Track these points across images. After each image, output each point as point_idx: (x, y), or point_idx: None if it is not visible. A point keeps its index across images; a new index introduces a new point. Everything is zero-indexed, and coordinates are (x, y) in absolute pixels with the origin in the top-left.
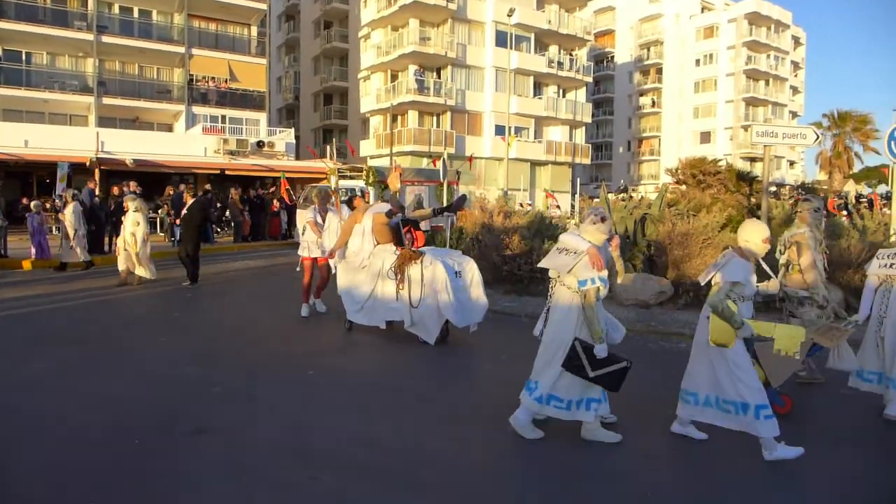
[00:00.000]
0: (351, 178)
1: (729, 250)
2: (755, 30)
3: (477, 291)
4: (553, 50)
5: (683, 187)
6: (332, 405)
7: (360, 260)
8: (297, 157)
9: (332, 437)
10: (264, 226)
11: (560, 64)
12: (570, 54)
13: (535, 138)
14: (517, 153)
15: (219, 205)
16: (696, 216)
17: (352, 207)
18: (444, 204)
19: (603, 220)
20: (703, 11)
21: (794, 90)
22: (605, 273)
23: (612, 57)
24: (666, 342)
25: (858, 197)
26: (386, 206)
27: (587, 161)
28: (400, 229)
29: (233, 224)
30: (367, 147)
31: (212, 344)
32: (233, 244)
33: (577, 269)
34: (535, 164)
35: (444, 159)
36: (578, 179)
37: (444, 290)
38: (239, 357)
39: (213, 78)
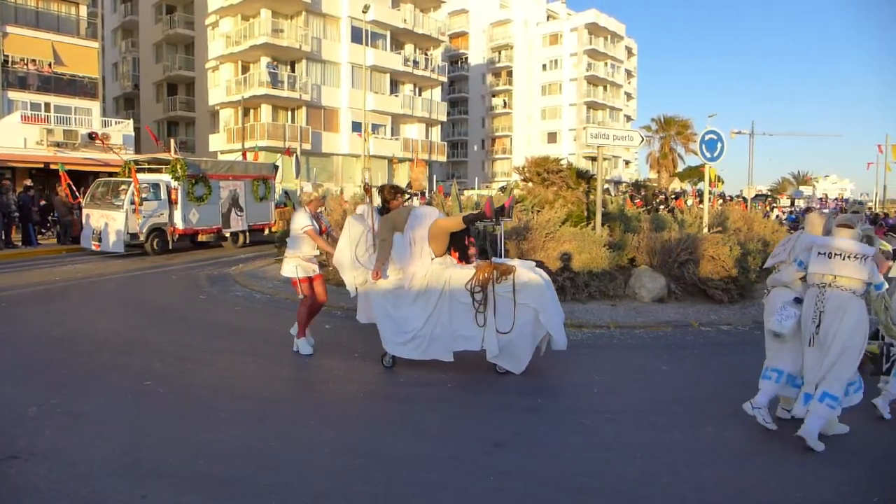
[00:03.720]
0: (152, 170)
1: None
2: (594, 39)
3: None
4: (409, 49)
5: (530, 184)
6: (169, 416)
7: (408, 278)
8: (138, 150)
9: (166, 450)
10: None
11: (416, 63)
12: (426, 54)
13: (392, 135)
14: (374, 150)
15: (42, 203)
16: (541, 211)
17: (385, 211)
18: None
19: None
20: (548, 19)
21: (629, 96)
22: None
23: (466, 58)
24: None
25: (675, 193)
26: (431, 209)
27: (443, 159)
28: (466, 237)
29: (59, 224)
30: (217, 141)
31: (30, 359)
32: (59, 246)
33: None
34: (392, 160)
35: (296, 156)
36: (435, 176)
37: (547, 307)
38: (65, 371)
39: (33, 60)
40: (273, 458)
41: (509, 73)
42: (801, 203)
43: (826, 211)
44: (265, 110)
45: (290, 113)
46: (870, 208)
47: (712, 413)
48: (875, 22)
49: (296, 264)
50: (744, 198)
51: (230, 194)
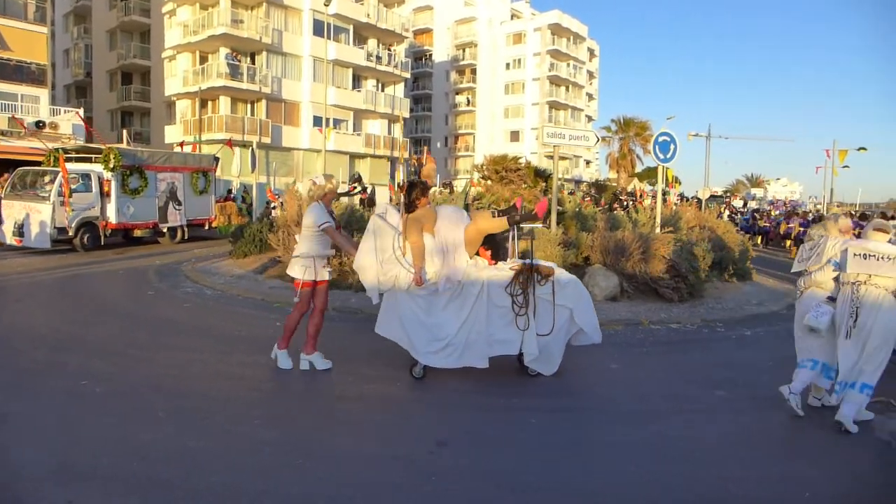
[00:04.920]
0: (81, 160)
1: None
2: (557, 40)
3: None
4: (372, 44)
5: (489, 182)
6: (105, 417)
7: (441, 281)
8: (89, 141)
9: (99, 452)
10: None
11: (379, 58)
12: (389, 49)
13: (354, 131)
14: (336, 145)
15: None
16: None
17: (411, 209)
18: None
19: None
20: (512, 18)
21: (590, 97)
22: None
23: (431, 55)
24: None
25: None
26: (456, 208)
27: (406, 155)
28: (505, 238)
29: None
30: (173, 133)
31: None
32: None
33: None
34: (354, 156)
35: (252, 149)
36: (397, 173)
37: (583, 306)
38: None
39: None
40: (212, 458)
41: (473, 71)
42: (752, 204)
43: (837, 217)
44: (224, 102)
45: (249, 105)
46: (817, 210)
47: (658, 411)
48: (826, 29)
49: (305, 266)
50: (698, 199)
51: (168, 187)
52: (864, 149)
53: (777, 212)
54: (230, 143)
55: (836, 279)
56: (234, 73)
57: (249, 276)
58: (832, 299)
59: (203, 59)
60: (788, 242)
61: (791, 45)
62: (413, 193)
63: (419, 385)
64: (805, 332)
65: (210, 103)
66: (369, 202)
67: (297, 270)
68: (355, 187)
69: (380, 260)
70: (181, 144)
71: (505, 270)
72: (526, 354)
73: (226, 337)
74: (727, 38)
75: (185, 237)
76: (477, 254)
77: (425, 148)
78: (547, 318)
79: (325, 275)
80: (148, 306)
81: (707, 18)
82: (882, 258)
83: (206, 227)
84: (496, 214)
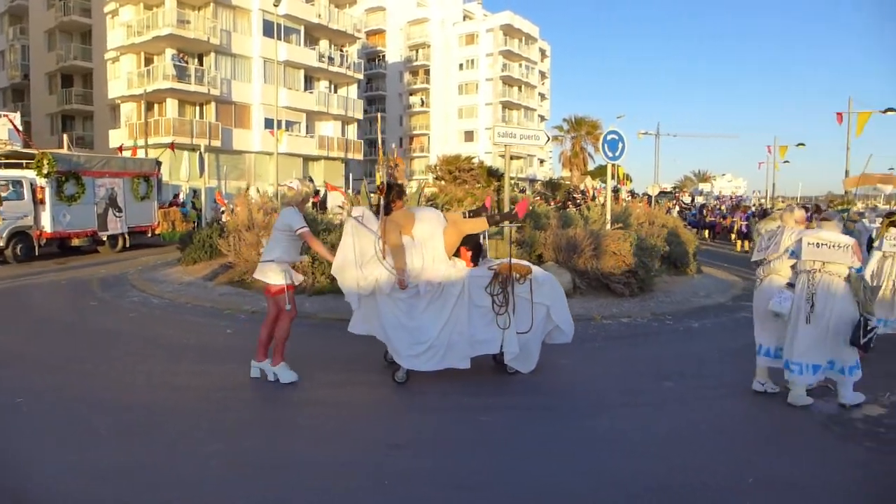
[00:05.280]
0: (10, 166)
1: None
2: (509, 40)
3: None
4: (324, 45)
5: (442, 182)
6: (41, 435)
7: (422, 284)
8: (26, 146)
9: (32, 473)
10: None
11: (331, 59)
12: (342, 50)
13: (306, 133)
14: (288, 148)
15: None
16: (450, 210)
17: (388, 212)
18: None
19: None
20: (464, 19)
21: (542, 96)
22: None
23: (384, 56)
24: None
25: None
26: (433, 210)
27: (360, 157)
28: (482, 238)
29: None
30: (117, 137)
31: None
32: None
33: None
34: (307, 158)
35: (200, 153)
36: (351, 175)
37: (558, 303)
38: None
39: None
40: (155, 474)
41: (427, 72)
42: (699, 199)
43: (792, 208)
44: (171, 105)
45: (198, 108)
46: (761, 204)
47: (611, 404)
48: (769, 26)
49: (284, 270)
50: (648, 195)
51: (107, 193)
52: (802, 144)
53: (723, 206)
54: (173, 146)
55: (793, 267)
56: (182, 74)
57: (199, 283)
58: (791, 286)
59: (148, 61)
60: (733, 236)
61: (736, 44)
62: (390, 196)
63: (372, 389)
64: (767, 318)
65: (156, 106)
66: (321, 205)
67: (277, 276)
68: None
69: (359, 264)
70: (120, 149)
71: (484, 270)
72: (506, 353)
73: (173, 346)
74: (675, 38)
75: (127, 245)
76: (456, 255)
77: (394, 146)
78: (525, 316)
79: (301, 278)
80: (90, 317)
81: (655, 19)
82: (834, 246)
83: (150, 235)
84: (467, 215)
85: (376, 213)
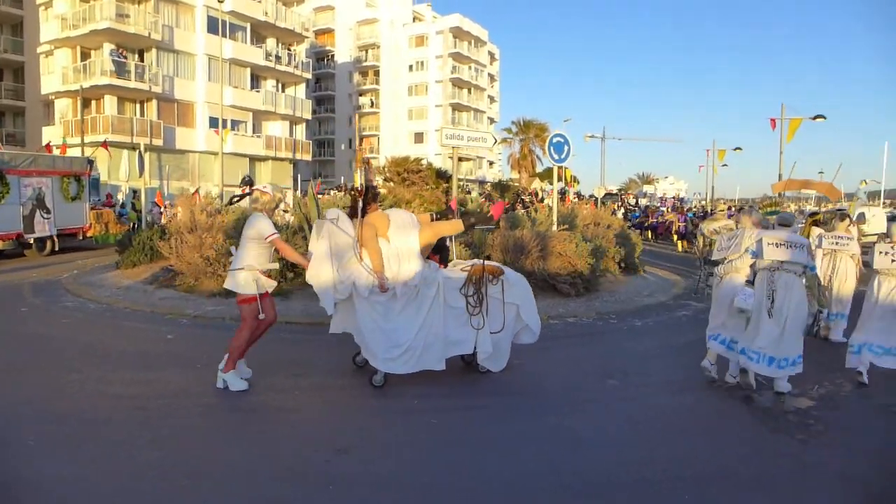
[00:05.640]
0: None
1: None
2: (458, 43)
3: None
4: (271, 43)
5: (391, 184)
6: None
7: (399, 286)
8: None
9: None
10: None
11: (278, 58)
12: (289, 49)
13: (253, 132)
14: (234, 147)
15: None
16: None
17: (359, 214)
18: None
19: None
20: (414, 21)
21: (491, 99)
22: None
23: (333, 56)
24: None
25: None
26: (405, 212)
27: (309, 157)
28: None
29: None
30: (51, 134)
31: None
32: None
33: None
34: (254, 159)
35: (139, 152)
36: (300, 175)
37: (527, 302)
38: None
39: None
40: (89, 487)
41: (376, 73)
42: (643, 201)
43: (754, 211)
44: (109, 102)
45: (138, 105)
46: (701, 205)
47: (558, 403)
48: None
49: (255, 278)
50: (595, 197)
51: (34, 193)
52: (739, 149)
53: (665, 208)
54: (106, 144)
55: (752, 265)
56: (121, 70)
57: (138, 288)
58: (750, 283)
59: (85, 56)
60: (675, 236)
61: (679, 49)
62: (366, 197)
63: (316, 393)
64: (728, 311)
65: (94, 103)
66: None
67: (248, 285)
68: (247, 191)
69: (335, 267)
70: (48, 146)
71: (457, 272)
72: (480, 352)
73: (109, 354)
74: (621, 43)
75: (56, 248)
76: (427, 257)
77: (364, 148)
78: (497, 316)
79: (273, 284)
80: (20, 324)
81: (601, 25)
82: (792, 246)
83: (80, 238)
84: (434, 217)
85: (351, 215)
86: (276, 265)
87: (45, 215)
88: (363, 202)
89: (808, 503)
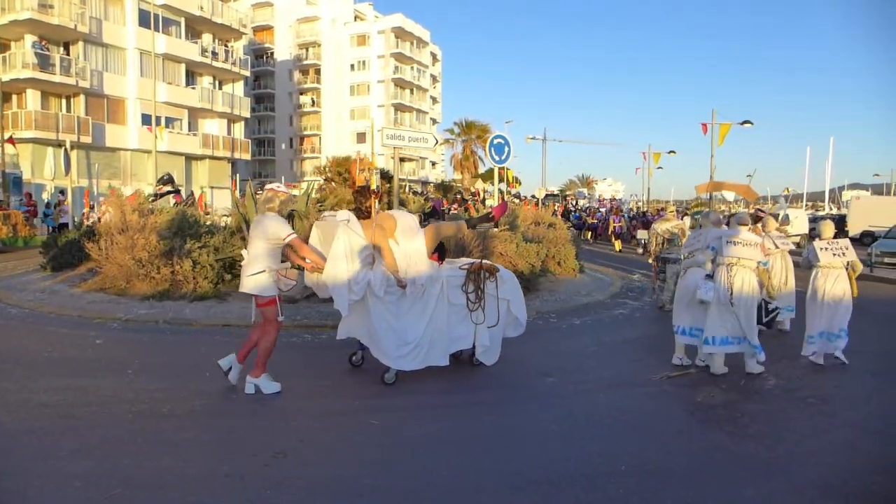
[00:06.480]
0: None
1: None
2: (401, 43)
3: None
4: (207, 38)
5: (333, 184)
6: None
7: (409, 285)
8: None
9: None
10: None
11: (215, 54)
12: (226, 45)
13: (189, 130)
14: (170, 146)
15: None
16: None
17: (365, 214)
18: None
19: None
20: (356, 20)
21: (434, 100)
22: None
23: (272, 53)
24: (309, 334)
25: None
26: (407, 213)
27: (248, 157)
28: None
29: None
30: None
31: None
32: None
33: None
34: (190, 157)
35: (65, 149)
36: (238, 175)
37: (517, 298)
38: None
39: None
40: (9, 498)
41: (317, 71)
42: (582, 202)
43: (712, 213)
44: (32, 96)
45: (64, 101)
46: (638, 207)
47: (494, 401)
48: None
49: (275, 280)
50: (535, 197)
51: None
52: (673, 152)
53: (603, 209)
54: (12, 140)
55: (713, 260)
56: (45, 63)
57: (64, 291)
58: (710, 276)
59: (4, 47)
60: (613, 237)
61: (619, 53)
62: (367, 197)
63: (253, 397)
64: (690, 302)
65: (15, 97)
66: (188, 204)
67: (265, 287)
68: (165, 189)
69: (350, 268)
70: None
71: (456, 270)
72: (478, 346)
73: (32, 360)
74: (563, 46)
75: None
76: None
77: (359, 152)
78: (492, 311)
79: (289, 284)
80: None
81: (542, 27)
82: (748, 244)
83: None
84: (422, 218)
85: (358, 216)
86: (289, 264)
87: None
88: (363, 201)
89: (736, 493)
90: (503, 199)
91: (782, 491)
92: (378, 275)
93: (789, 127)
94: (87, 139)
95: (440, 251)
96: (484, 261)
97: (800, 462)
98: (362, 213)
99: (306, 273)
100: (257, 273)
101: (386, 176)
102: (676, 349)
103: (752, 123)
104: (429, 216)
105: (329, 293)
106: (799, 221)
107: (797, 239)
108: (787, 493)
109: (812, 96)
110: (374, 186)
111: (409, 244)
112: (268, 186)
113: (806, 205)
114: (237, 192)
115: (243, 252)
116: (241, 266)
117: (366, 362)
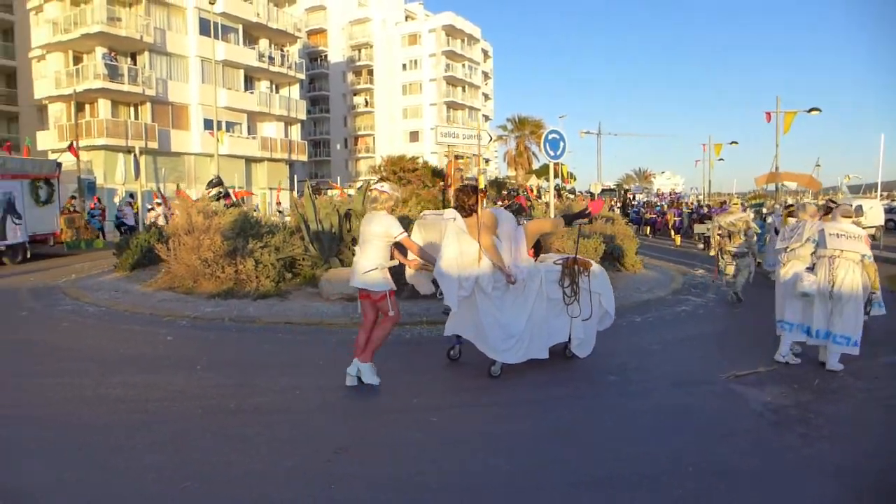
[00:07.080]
0: None
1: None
2: (451, 41)
3: None
4: (263, 44)
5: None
6: None
7: (519, 281)
8: None
9: None
10: None
11: (271, 59)
12: (282, 50)
13: (248, 134)
14: (230, 149)
15: None
16: (394, 211)
17: (468, 212)
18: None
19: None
20: (406, 20)
21: (486, 97)
22: None
23: (326, 56)
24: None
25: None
26: (505, 211)
27: (304, 158)
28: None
29: None
30: (46, 139)
31: None
32: None
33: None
34: (250, 160)
35: (135, 154)
36: (296, 176)
37: (607, 292)
38: None
39: None
40: (87, 491)
41: (370, 72)
42: (640, 197)
43: (809, 205)
44: (103, 105)
45: (132, 109)
46: (698, 201)
47: (555, 398)
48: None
49: (386, 276)
50: (591, 192)
51: (4, 198)
52: (735, 142)
53: (662, 203)
54: (73, 148)
55: (813, 253)
56: (114, 74)
57: (136, 290)
58: (810, 269)
59: (77, 60)
60: (672, 231)
61: (673, 45)
62: (472, 197)
63: (316, 393)
64: (793, 297)
65: (88, 107)
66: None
67: (382, 282)
68: (213, 192)
69: (460, 265)
70: (6, 147)
71: (551, 265)
72: (574, 339)
73: (107, 357)
74: (616, 38)
75: (28, 256)
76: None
77: (450, 150)
78: (586, 304)
79: (426, 289)
80: (18, 328)
81: (594, 21)
82: (851, 236)
83: (51, 244)
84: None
85: (464, 214)
86: (395, 261)
87: (17, 221)
88: (466, 201)
89: (807, 496)
90: (595, 196)
91: (855, 498)
92: (485, 271)
93: (856, 114)
94: (153, 145)
95: (536, 247)
96: (579, 256)
97: (878, 469)
98: (465, 211)
99: (407, 270)
100: (371, 270)
101: (440, 174)
102: (781, 346)
103: (819, 111)
104: (515, 214)
105: (429, 290)
106: (873, 212)
107: (872, 231)
108: (860, 500)
109: (885, 81)
110: (481, 186)
111: (511, 240)
112: (373, 186)
113: (881, 195)
114: (294, 194)
115: (356, 248)
116: (300, 265)
117: (432, 366)
